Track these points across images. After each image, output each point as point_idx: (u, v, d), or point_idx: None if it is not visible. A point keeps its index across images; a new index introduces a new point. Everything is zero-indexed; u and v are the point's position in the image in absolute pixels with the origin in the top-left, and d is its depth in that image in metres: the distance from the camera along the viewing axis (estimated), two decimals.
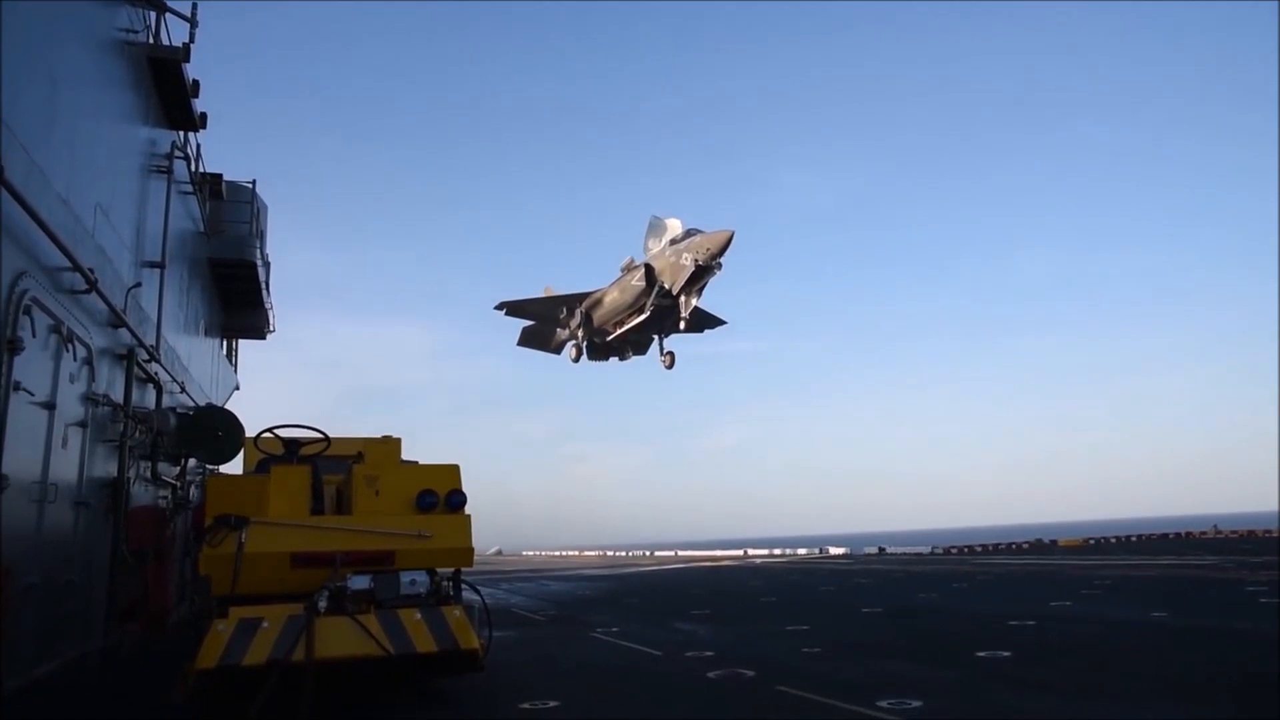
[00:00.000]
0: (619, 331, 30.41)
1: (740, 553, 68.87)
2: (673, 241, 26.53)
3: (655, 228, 28.01)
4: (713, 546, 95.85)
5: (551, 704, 8.93)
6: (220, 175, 22.07)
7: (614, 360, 32.72)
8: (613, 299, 30.10)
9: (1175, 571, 27.13)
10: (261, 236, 24.53)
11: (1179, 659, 10.91)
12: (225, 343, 27.58)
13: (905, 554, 54.23)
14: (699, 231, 25.93)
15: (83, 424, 11.13)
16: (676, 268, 25.98)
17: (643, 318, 28.74)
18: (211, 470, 17.09)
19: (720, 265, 25.64)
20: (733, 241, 25.07)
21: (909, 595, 22.23)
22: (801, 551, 63.55)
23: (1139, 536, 60.41)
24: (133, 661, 12.18)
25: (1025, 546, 54.69)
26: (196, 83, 16.25)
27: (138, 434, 13.63)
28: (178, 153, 16.84)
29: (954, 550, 53.33)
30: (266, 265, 25.50)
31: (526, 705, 8.88)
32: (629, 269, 29.35)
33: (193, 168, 18.68)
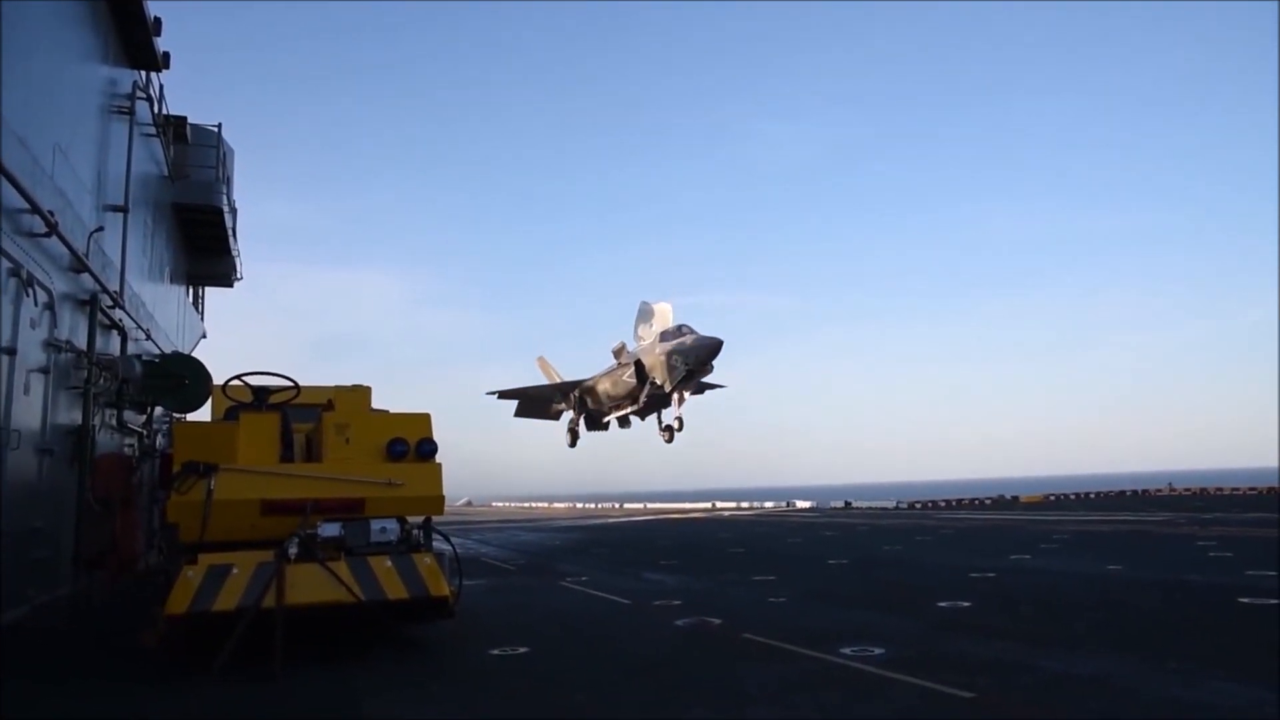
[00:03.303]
0: (615, 415, 31.51)
1: (708, 505, 69.66)
2: (663, 336, 26.76)
3: (645, 314, 28.46)
4: (680, 498, 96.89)
5: (521, 650, 9.05)
6: (184, 118, 21.49)
7: (614, 427, 33.50)
8: (605, 389, 30.88)
9: (1131, 527, 27.93)
10: (228, 181, 23.97)
11: (1131, 609, 11.29)
12: (191, 290, 27.12)
13: (871, 508, 55.18)
14: (689, 329, 26.10)
15: (45, 370, 10.95)
16: (667, 368, 26.33)
17: (636, 407, 29.69)
18: (178, 418, 16.92)
19: (711, 367, 26.08)
20: (721, 349, 25.39)
21: (874, 548, 22.68)
22: (769, 505, 64.40)
23: (1098, 493, 61.89)
24: (101, 607, 12.16)
25: (987, 502, 55.94)
26: (158, 20, 15.71)
27: (102, 381, 13.43)
28: (139, 93, 16.34)
29: (918, 505, 54.38)
30: (233, 211, 24.96)
31: (496, 651, 9.00)
32: (620, 360, 29.82)
33: (155, 109, 18.14)
